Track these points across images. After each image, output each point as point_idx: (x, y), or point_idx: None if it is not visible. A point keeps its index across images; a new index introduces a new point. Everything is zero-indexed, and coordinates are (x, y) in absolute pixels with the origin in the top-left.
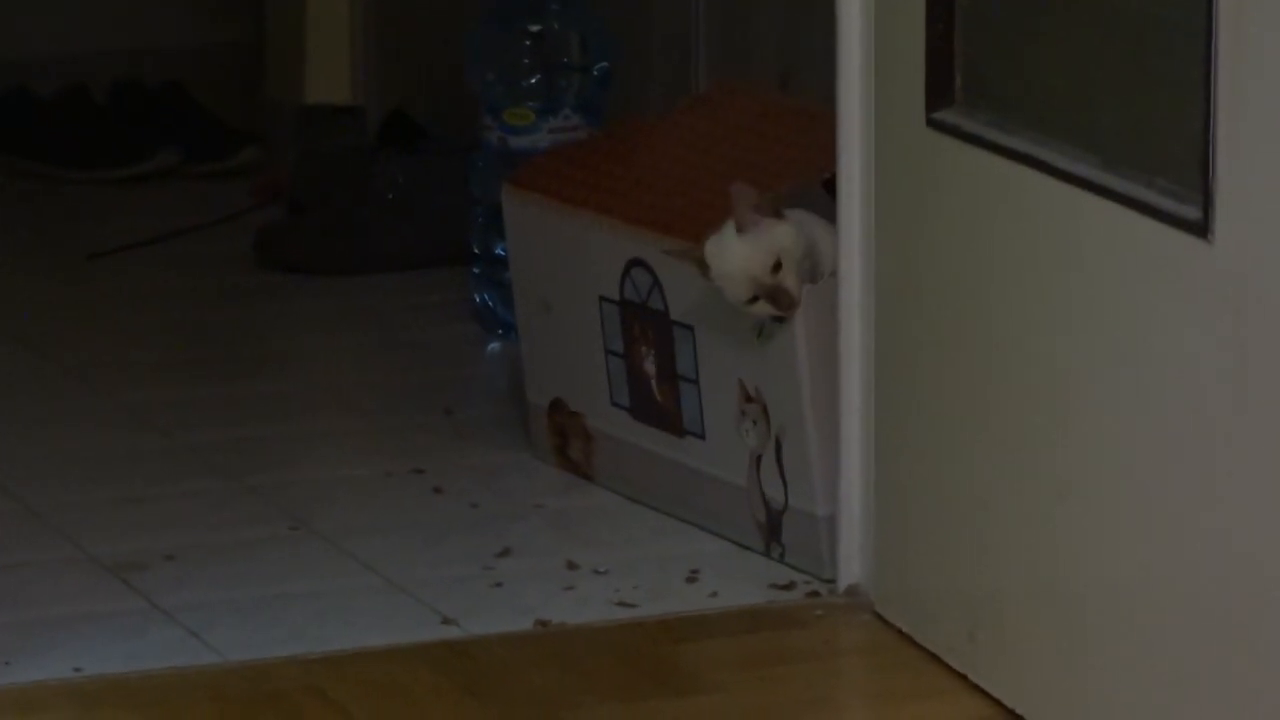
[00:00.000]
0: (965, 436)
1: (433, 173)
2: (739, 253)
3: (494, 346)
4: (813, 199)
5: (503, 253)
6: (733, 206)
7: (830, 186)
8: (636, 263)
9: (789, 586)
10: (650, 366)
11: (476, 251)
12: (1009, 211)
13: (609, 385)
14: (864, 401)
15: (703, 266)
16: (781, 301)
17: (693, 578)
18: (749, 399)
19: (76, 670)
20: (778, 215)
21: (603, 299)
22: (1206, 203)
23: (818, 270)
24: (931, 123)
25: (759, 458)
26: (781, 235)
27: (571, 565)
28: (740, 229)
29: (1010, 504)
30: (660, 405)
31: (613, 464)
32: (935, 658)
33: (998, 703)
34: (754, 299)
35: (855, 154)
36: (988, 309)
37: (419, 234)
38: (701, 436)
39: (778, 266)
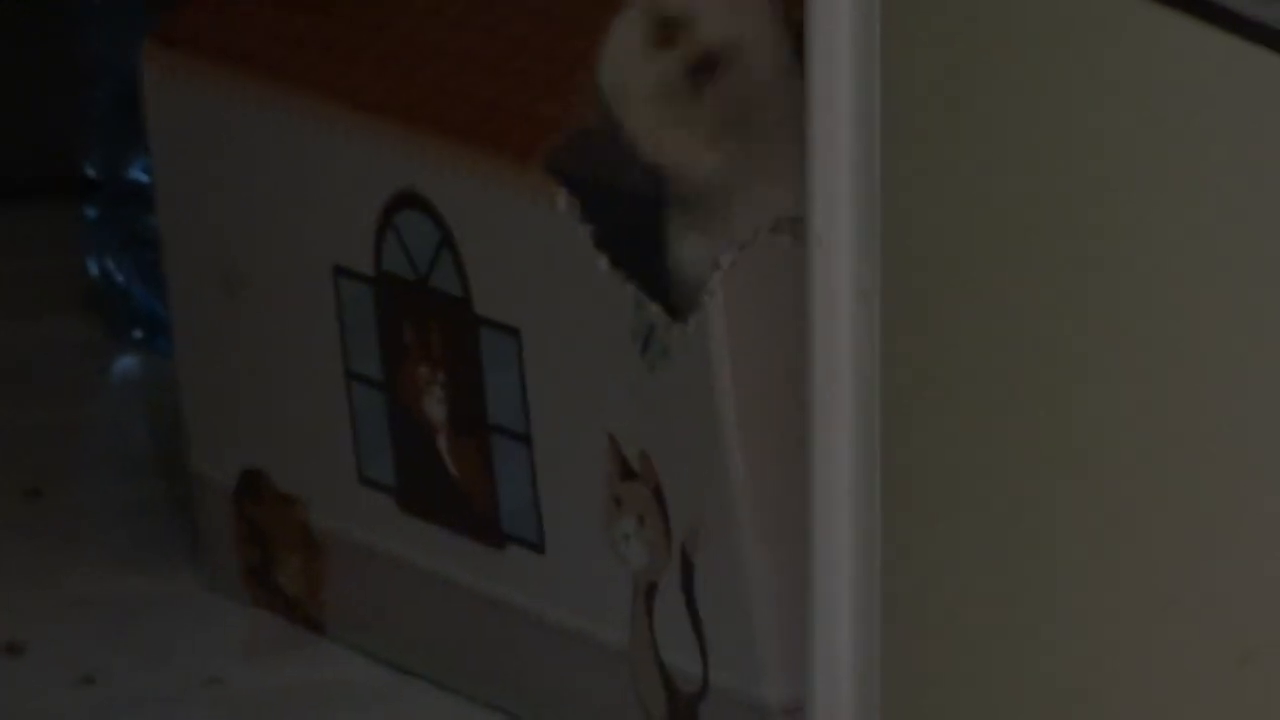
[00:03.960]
0: (1066, 548)
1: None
2: None
3: (125, 363)
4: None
5: (144, 178)
6: None
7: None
8: (407, 199)
9: None
10: (436, 407)
11: (91, 175)
12: (1161, 85)
13: (355, 443)
14: (859, 475)
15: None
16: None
17: None
18: (628, 473)
19: None
20: None
21: (340, 271)
22: None
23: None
24: None
25: (650, 588)
26: None
27: None
28: None
29: (1159, 677)
30: (456, 484)
31: (362, 598)
32: None
33: None
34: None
35: None
36: (1133, 288)
37: None
38: (537, 546)
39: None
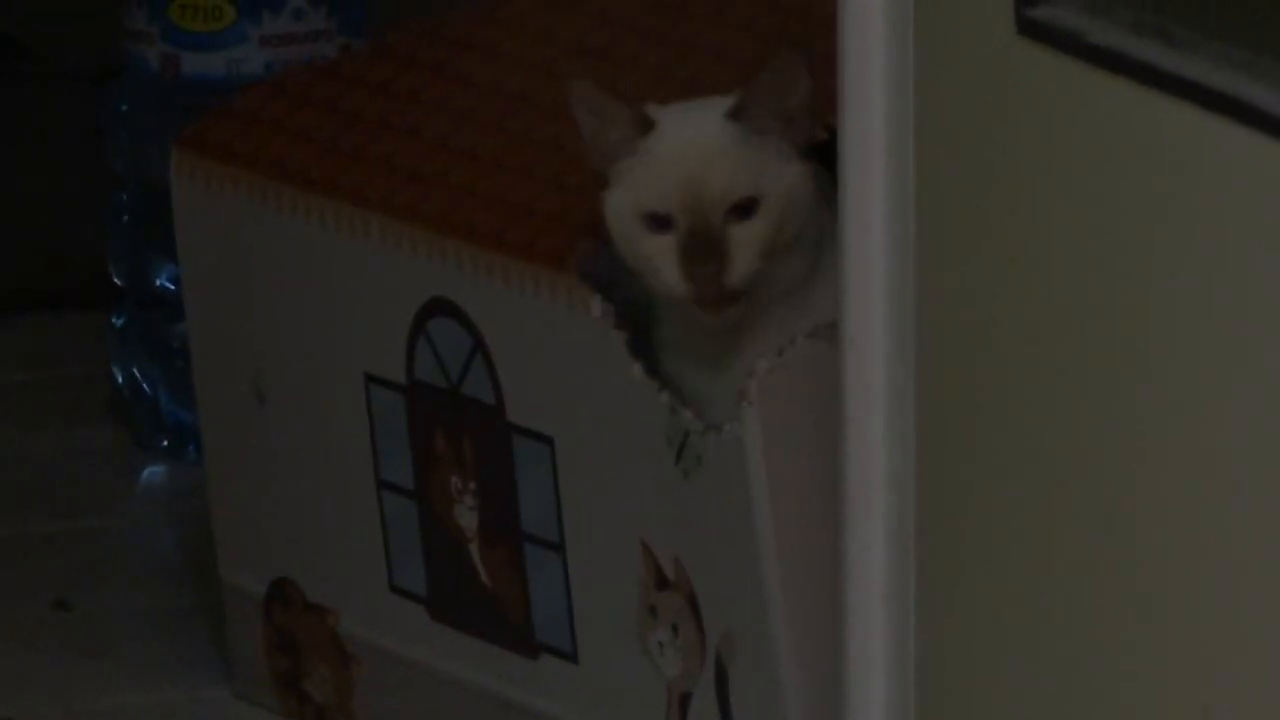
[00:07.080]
0: (1107, 655)
1: (30, 122)
2: (710, 136)
3: (152, 472)
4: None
5: (170, 286)
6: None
7: (827, 153)
8: (440, 307)
9: None
10: (467, 515)
11: (118, 282)
12: (1185, 186)
13: (385, 553)
14: (894, 579)
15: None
16: (702, 272)
17: None
18: (663, 582)
19: None
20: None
21: (372, 380)
22: None
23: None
24: (1027, 26)
25: (684, 698)
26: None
27: None
28: (744, 109)
29: None
30: (488, 593)
31: (391, 707)
32: None
33: None
34: (658, 222)
35: (877, 92)
36: (1168, 377)
37: (2, 246)
38: (570, 656)
39: (748, 206)
